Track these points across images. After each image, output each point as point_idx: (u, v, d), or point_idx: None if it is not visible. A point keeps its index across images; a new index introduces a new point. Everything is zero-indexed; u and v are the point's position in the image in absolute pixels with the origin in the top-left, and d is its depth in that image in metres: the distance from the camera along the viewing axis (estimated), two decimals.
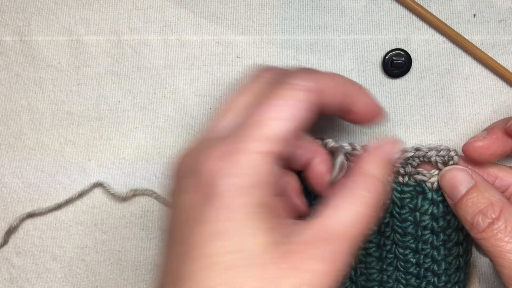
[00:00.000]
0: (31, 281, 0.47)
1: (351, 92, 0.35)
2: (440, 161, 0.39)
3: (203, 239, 0.29)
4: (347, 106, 0.35)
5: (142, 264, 0.46)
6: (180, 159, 0.33)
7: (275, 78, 0.34)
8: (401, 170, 0.40)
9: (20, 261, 0.46)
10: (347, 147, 0.39)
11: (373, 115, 0.37)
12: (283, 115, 0.30)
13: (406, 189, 0.40)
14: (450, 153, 0.39)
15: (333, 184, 0.37)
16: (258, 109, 0.31)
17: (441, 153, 0.39)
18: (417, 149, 0.39)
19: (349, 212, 0.31)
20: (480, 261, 0.45)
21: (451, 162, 0.39)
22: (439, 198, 0.39)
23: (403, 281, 0.42)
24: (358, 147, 0.39)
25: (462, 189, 0.37)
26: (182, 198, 0.31)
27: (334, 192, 0.32)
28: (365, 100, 0.36)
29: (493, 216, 0.35)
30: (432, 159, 0.39)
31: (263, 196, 0.30)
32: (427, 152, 0.39)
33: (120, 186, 0.45)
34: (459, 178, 0.38)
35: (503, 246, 0.35)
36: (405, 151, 0.39)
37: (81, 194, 0.45)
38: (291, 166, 0.39)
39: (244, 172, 0.29)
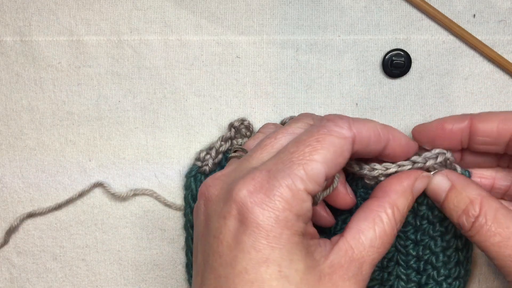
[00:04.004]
0: (32, 281, 0.47)
1: (383, 138, 0.36)
2: (439, 166, 0.39)
3: (250, 266, 0.31)
4: (378, 151, 0.37)
5: (142, 264, 0.46)
6: (212, 182, 0.35)
7: (312, 123, 0.36)
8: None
9: (21, 261, 0.46)
10: (355, 165, 0.39)
11: (405, 153, 0.38)
12: (322, 158, 0.32)
13: None
14: (446, 155, 0.39)
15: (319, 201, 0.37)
16: (298, 149, 0.33)
17: (439, 159, 0.39)
18: (414, 162, 0.39)
19: (372, 237, 0.34)
20: (480, 261, 0.45)
21: (448, 162, 0.39)
22: None
23: (404, 277, 0.42)
24: (364, 166, 0.39)
25: (442, 192, 0.38)
26: (216, 223, 0.33)
27: (363, 216, 0.35)
28: (397, 142, 0.37)
29: (475, 213, 0.36)
30: (431, 168, 0.39)
31: (301, 227, 0.32)
32: (425, 163, 0.39)
33: (120, 186, 0.45)
34: (436, 182, 0.38)
35: (488, 240, 0.35)
36: (401, 165, 0.39)
37: (82, 194, 0.45)
38: None
39: (287, 206, 0.31)
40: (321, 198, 0.37)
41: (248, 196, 0.31)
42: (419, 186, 0.38)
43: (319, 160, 0.32)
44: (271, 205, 0.31)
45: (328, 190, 0.37)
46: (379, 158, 0.38)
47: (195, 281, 0.35)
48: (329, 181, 0.37)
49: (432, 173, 0.39)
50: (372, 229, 0.34)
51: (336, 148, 0.33)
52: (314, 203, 0.37)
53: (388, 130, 0.37)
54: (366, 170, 0.39)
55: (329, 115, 0.36)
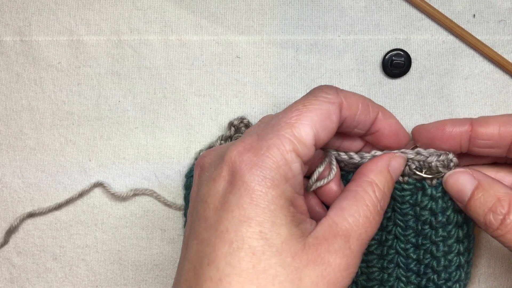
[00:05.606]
0: (32, 281, 0.47)
1: (372, 110, 0.36)
2: (440, 165, 0.39)
3: (232, 224, 0.30)
4: (367, 123, 0.37)
5: (142, 264, 0.46)
6: (207, 153, 0.35)
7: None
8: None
9: (21, 261, 0.46)
10: (344, 156, 0.39)
11: (395, 137, 0.38)
12: (309, 121, 0.33)
13: (406, 186, 0.40)
14: (449, 157, 0.39)
15: (311, 189, 0.37)
16: (286, 114, 0.33)
17: (441, 157, 0.39)
18: (417, 153, 0.39)
19: (354, 213, 0.33)
20: (480, 261, 0.46)
21: (451, 164, 0.39)
22: (438, 194, 0.40)
23: (404, 279, 0.42)
24: (355, 156, 0.39)
25: (467, 191, 0.37)
26: (206, 187, 0.33)
27: (343, 196, 0.35)
28: (387, 121, 0.37)
29: (503, 211, 0.35)
30: (433, 164, 0.39)
31: (289, 191, 0.32)
32: (427, 157, 0.39)
33: (120, 186, 0.45)
34: (461, 181, 0.38)
35: None
36: (405, 152, 0.39)
37: (82, 194, 0.45)
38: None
39: (274, 165, 0.31)
40: (314, 187, 0.37)
41: (238, 156, 0.32)
42: (395, 165, 0.38)
43: (306, 122, 0.32)
44: (259, 164, 0.31)
45: (323, 181, 0.37)
46: (370, 140, 0.38)
47: (181, 255, 0.34)
48: (325, 171, 0.37)
49: (452, 171, 0.39)
50: (355, 206, 0.34)
51: (323, 111, 0.33)
52: (307, 188, 0.37)
53: (379, 106, 0.37)
54: (367, 159, 0.39)
55: (320, 86, 0.36)
